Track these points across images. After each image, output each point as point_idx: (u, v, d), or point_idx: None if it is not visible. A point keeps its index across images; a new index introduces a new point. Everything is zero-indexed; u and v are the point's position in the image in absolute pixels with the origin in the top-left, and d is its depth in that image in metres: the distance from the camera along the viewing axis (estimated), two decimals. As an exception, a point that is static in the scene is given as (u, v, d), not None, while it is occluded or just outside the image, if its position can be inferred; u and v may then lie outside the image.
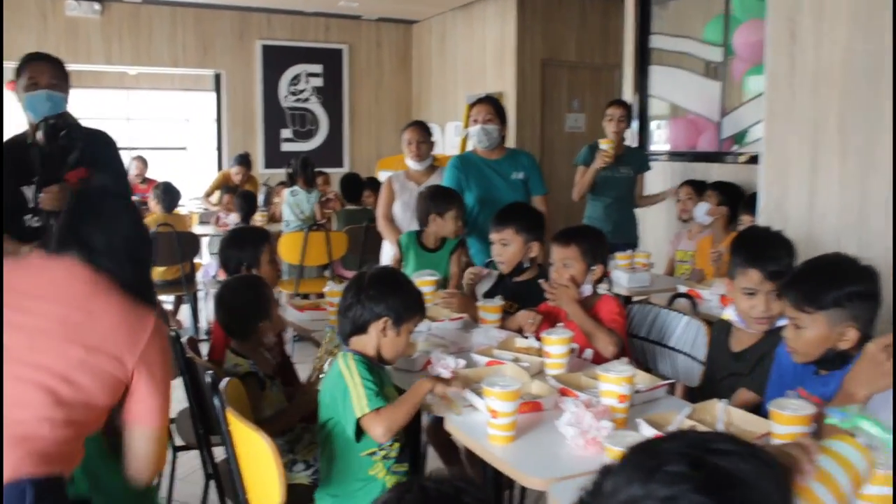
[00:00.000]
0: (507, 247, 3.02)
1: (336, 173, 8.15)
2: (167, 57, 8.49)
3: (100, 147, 3.05)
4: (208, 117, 9.94)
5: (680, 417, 1.88)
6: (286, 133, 8.95)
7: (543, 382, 2.21)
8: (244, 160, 7.62)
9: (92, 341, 1.63)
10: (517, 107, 7.35)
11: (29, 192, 2.84)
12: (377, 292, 2.10)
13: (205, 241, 6.18)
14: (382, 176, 8.35)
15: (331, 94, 9.08)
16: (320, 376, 2.38)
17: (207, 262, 6.26)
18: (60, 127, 2.82)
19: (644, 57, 5.91)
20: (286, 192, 6.21)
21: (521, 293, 3.00)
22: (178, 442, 2.94)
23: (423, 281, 3.20)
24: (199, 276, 6.33)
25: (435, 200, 3.56)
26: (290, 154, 8.73)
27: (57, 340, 1.62)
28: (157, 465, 1.78)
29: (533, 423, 1.98)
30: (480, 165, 4.04)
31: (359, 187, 6.37)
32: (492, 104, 4.06)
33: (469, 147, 7.47)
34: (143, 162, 7.95)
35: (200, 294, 6.34)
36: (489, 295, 3.12)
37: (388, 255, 4.29)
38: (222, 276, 4.99)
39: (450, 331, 2.76)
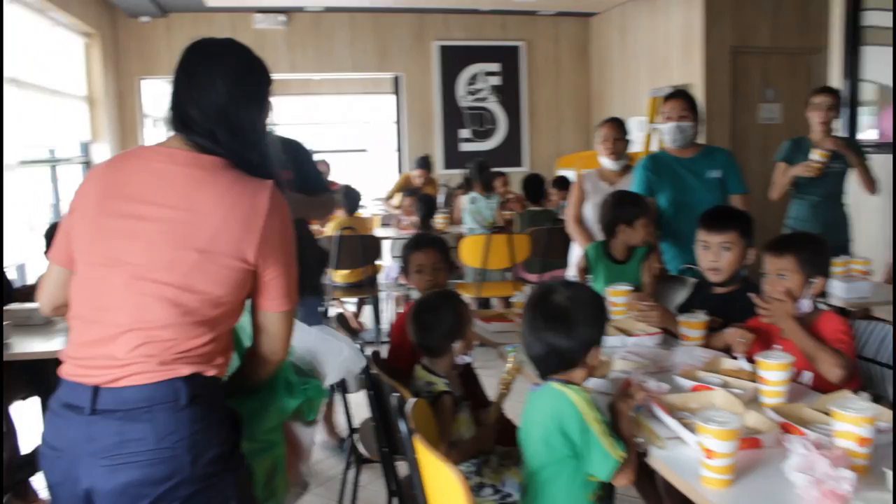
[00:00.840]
0: (727, 252, 2.74)
1: (515, 173, 8.03)
2: (348, 62, 8.69)
3: (299, 152, 3.41)
4: (388, 119, 10.12)
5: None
6: (464, 133, 8.93)
7: (761, 414, 1.96)
8: (425, 163, 7.66)
9: (202, 243, 1.58)
10: (706, 99, 6.89)
11: None
12: (587, 316, 1.90)
13: (386, 244, 6.23)
14: (563, 174, 8.18)
15: (508, 93, 8.97)
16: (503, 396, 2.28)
17: (389, 265, 6.31)
18: None
19: (855, 36, 5.35)
20: (465, 198, 6.14)
21: (724, 306, 2.72)
22: (362, 451, 2.91)
23: (617, 291, 3.00)
24: (381, 278, 6.41)
25: (623, 208, 3.33)
26: (468, 154, 8.73)
27: (172, 249, 1.58)
28: (288, 344, 1.75)
29: (752, 463, 1.74)
30: (673, 165, 3.76)
31: (541, 187, 6.20)
32: (686, 100, 3.78)
33: (653, 143, 7.21)
34: (326, 165, 8.18)
35: (382, 296, 6.42)
36: (685, 307, 2.87)
37: (576, 259, 4.10)
38: (403, 280, 5.02)
39: (647, 347, 2.55)
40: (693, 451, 1.75)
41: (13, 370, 3.12)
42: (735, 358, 2.32)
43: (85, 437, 1.54)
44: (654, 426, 1.90)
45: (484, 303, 6.17)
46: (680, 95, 3.81)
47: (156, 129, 11.22)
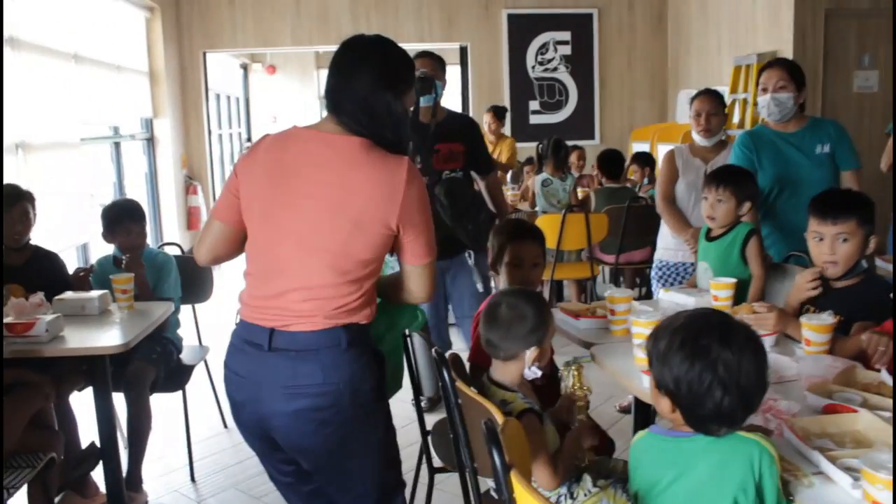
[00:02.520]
0: (845, 243, 2.39)
1: (587, 146, 7.65)
2: (413, 33, 8.39)
3: (473, 128, 3.97)
4: (454, 90, 9.79)
5: None
6: (534, 105, 8.57)
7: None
8: (496, 109, 7.22)
9: (354, 215, 1.87)
10: (794, 67, 6.42)
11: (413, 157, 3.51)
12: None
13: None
14: (637, 149, 7.79)
15: (580, 63, 8.56)
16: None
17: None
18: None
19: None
20: (536, 180, 5.80)
21: (845, 303, 2.37)
22: (436, 462, 2.66)
23: (720, 283, 2.68)
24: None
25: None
26: (538, 127, 8.39)
27: (331, 220, 1.88)
28: (431, 289, 2.07)
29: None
30: (775, 141, 3.40)
31: (620, 164, 5.82)
32: (785, 68, 3.39)
33: (735, 116, 6.76)
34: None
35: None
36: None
37: (667, 239, 3.76)
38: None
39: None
40: (843, 492, 1.45)
41: (71, 360, 2.97)
42: (878, 370, 1.99)
43: (264, 368, 1.92)
44: (790, 455, 1.60)
45: (557, 285, 5.88)
46: (777, 64, 3.43)
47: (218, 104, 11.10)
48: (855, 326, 2.27)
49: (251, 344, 1.94)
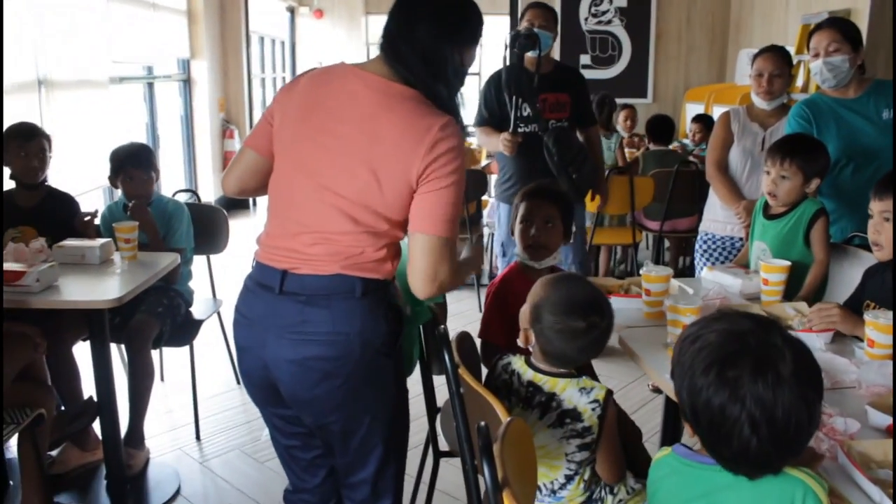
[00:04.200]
0: (891, 223, 2.11)
1: (639, 104, 7.28)
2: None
3: (579, 79, 4.08)
4: (502, 42, 9.42)
5: None
6: (585, 59, 8.15)
7: None
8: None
9: (375, 164, 1.71)
10: (869, 27, 5.94)
11: (519, 104, 3.79)
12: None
13: (493, 179, 5.71)
14: (691, 111, 7.39)
15: (636, 16, 8.09)
16: None
17: (493, 202, 5.80)
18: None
19: None
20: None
21: None
22: (442, 445, 2.44)
23: (772, 266, 2.40)
24: (485, 214, 5.97)
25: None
26: (589, 82, 7.97)
27: (350, 166, 1.73)
28: (436, 282, 1.75)
29: None
30: (836, 109, 3.05)
31: (669, 129, 5.48)
32: (837, 28, 3.03)
33: (799, 79, 6.32)
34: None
35: (485, 233, 5.94)
36: (855, 298, 2.25)
37: (715, 210, 3.45)
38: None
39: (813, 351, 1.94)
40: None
41: (72, 310, 2.81)
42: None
43: (273, 312, 1.79)
44: (844, 487, 1.35)
45: (594, 250, 5.60)
46: (827, 25, 3.07)
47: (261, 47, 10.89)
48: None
49: (263, 286, 1.82)
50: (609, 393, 1.75)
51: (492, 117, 3.91)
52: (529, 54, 3.73)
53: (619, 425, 1.82)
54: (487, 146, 4.07)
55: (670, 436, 2.35)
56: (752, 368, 1.17)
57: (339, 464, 1.96)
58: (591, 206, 4.55)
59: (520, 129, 3.81)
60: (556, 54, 7.97)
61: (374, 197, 1.74)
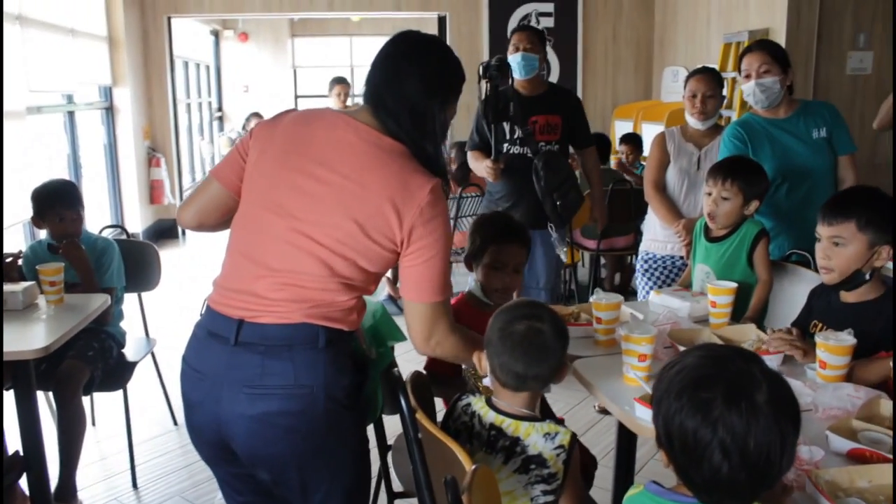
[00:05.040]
0: (840, 247, 2.13)
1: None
2: (390, 1, 8.01)
3: (573, 101, 4.04)
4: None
5: None
6: (514, 80, 8.23)
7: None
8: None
9: (361, 217, 1.67)
10: (787, 46, 6.13)
11: (507, 126, 3.82)
12: None
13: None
14: (620, 128, 7.49)
15: (563, 35, 8.20)
16: None
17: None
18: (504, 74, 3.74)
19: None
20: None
21: (863, 322, 2.07)
22: (396, 485, 2.36)
23: (718, 289, 2.40)
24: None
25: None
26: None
27: (334, 214, 1.67)
28: (431, 342, 1.77)
29: None
30: (768, 128, 3.10)
31: (606, 147, 5.52)
32: (766, 50, 3.09)
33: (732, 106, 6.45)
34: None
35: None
36: (802, 319, 2.27)
37: (655, 230, 3.47)
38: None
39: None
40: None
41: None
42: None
43: (228, 364, 1.68)
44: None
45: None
46: (757, 47, 3.13)
47: (185, 71, 10.69)
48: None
49: (215, 336, 1.72)
50: (574, 437, 1.69)
51: (482, 142, 3.94)
52: (515, 76, 3.79)
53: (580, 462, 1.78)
54: (477, 171, 4.04)
55: (625, 454, 2.33)
56: (726, 392, 1.16)
57: None
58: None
59: (512, 151, 3.83)
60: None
61: (356, 248, 1.69)
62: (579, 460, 1.73)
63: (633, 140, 6.18)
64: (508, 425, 1.70)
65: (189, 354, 1.79)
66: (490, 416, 1.73)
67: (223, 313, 1.71)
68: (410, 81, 1.74)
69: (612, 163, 5.88)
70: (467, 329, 1.85)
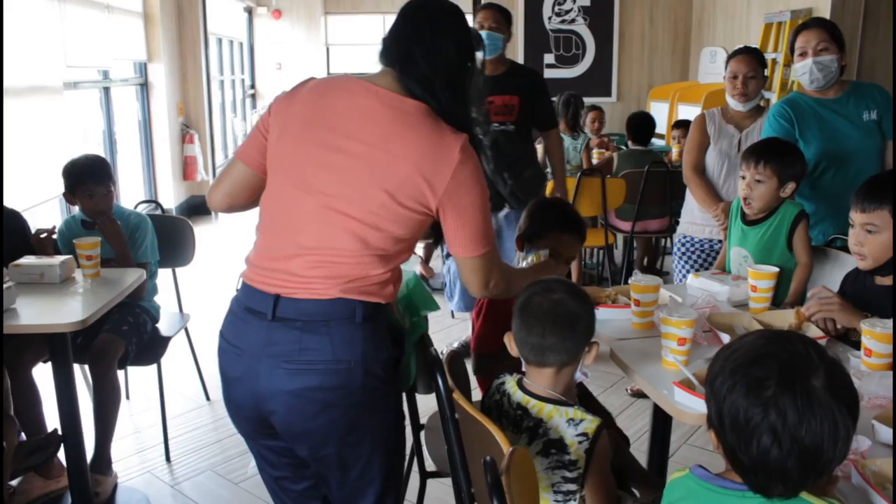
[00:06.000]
0: (874, 234, 2.08)
1: (604, 103, 7.25)
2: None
3: (534, 81, 3.86)
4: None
5: None
6: (549, 58, 8.13)
7: None
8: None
9: (391, 185, 1.64)
10: (831, 25, 5.98)
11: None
12: None
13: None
14: (656, 109, 7.38)
15: (600, 15, 8.10)
16: None
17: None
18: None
19: None
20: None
21: (888, 302, 2.06)
22: (428, 464, 2.35)
23: (760, 273, 2.35)
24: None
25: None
26: (553, 82, 7.90)
27: (363, 186, 1.65)
28: (490, 287, 1.80)
29: None
30: (817, 109, 3.03)
31: (648, 129, 5.40)
32: (825, 28, 3.01)
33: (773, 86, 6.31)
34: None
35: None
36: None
37: (693, 213, 3.41)
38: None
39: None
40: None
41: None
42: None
43: (266, 340, 1.67)
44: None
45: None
46: (815, 24, 3.05)
47: (219, 49, 10.69)
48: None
49: (253, 312, 1.71)
50: (600, 426, 1.64)
51: None
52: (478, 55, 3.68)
53: (607, 457, 1.70)
54: None
55: (659, 438, 2.30)
56: (781, 373, 1.13)
57: (334, 496, 1.84)
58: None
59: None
60: (518, 53, 7.96)
61: (389, 217, 1.66)
62: (608, 454, 1.68)
63: (685, 126, 6.08)
64: (533, 406, 1.68)
65: (226, 329, 1.78)
66: (518, 396, 1.71)
67: (260, 289, 1.70)
68: (448, 50, 1.72)
69: (675, 151, 5.74)
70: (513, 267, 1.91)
